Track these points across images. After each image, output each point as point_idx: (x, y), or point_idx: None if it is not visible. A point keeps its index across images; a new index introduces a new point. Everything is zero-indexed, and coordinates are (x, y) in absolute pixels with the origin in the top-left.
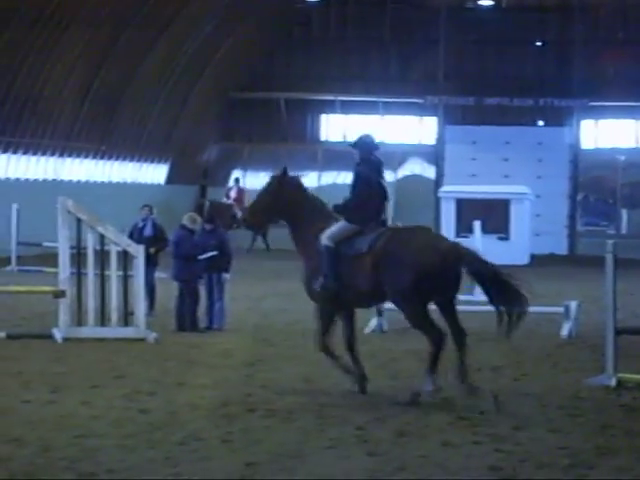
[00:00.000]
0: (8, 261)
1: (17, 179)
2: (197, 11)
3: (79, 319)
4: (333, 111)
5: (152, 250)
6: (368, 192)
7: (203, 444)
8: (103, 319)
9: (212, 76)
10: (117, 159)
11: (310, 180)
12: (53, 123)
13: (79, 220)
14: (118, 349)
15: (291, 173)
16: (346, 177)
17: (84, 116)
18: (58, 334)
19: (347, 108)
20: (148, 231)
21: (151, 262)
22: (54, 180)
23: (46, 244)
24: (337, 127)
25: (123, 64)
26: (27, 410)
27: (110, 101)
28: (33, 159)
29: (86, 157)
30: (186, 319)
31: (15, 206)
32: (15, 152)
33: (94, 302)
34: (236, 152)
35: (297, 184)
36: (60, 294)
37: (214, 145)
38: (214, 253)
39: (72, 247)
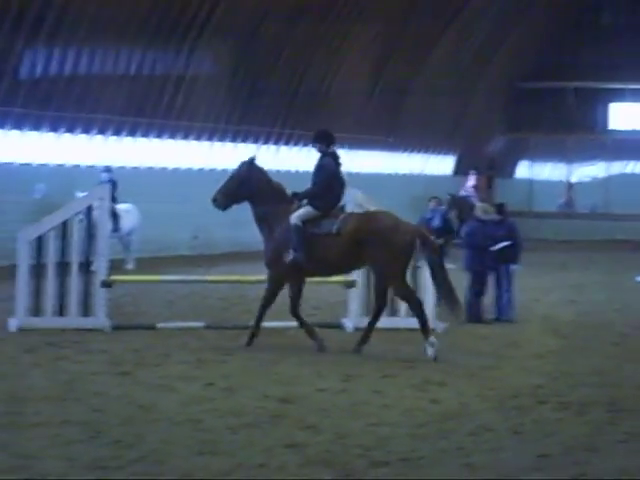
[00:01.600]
0: None
1: (308, 171)
2: (483, 1)
3: (369, 309)
4: (622, 100)
5: (441, 241)
6: (332, 182)
7: (494, 435)
8: (392, 309)
9: (498, 66)
10: (405, 151)
11: (598, 170)
12: (342, 115)
13: None
14: (407, 339)
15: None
16: (635, 167)
17: (372, 108)
18: (349, 324)
19: (637, 96)
20: (437, 222)
21: (441, 253)
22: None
23: None
24: (626, 116)
25: (410, 56)
26: (321, 398)
27: (397, 93)
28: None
29: (374, 149)
30: (475, 310)
31: None
32: (306, 145)
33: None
34: (522, 143)
35: (262, 171)
36: (351, 284)
37: (500, 136)
38: (506, 244)
39: None
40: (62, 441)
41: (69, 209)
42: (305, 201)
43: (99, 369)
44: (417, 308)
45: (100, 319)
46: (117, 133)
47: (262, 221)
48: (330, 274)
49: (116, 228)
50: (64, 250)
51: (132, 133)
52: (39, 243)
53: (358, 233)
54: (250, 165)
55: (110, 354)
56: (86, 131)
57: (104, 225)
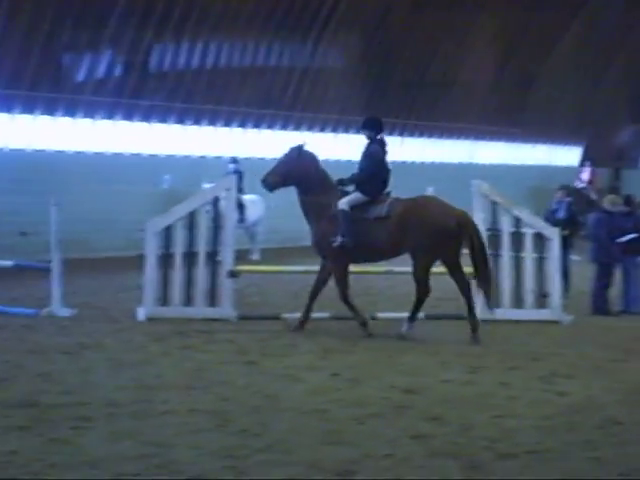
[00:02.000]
0: None
1: (433, 162)
2: None
3: (496, 301)
4: None
5: (566, 232)
6: (379, 168)
7: (622, 429)
8: (518, 301)
9: (625, 56)
10: (530, 142)
11: None
12: (467, 106)
13: (494, 203)
14: (533, 331)
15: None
16: None
17: (497, 99)
18: None
19: None
20: (562, 214)
21: (566, 245)
22: (468, 163)
23: None
24: None
25: (536, 46)
26: (446, 389)
27: (523, 84)
28: (448, 143)
29: (499, 140)
30: (601, 302)
31: (431, 189)
32: (430, 136)
33: (509, 284)
34: None
35: (313, 157)
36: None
37: (628, 126)
38: (634, 236)
39: (488, 229)
40: (190, 429)
41: (196, 200)
42: (352, 187)
43: (226, 358)
44: (422, 296)
45: (226, 309)
46: (243, 125)
47: (309, 207)
48: (374, 260)
49: (242, 219)
50: (191, 240)
51: (257, 125)
52: (167, 233)
53: (405, 216)
54: (300, 151)
55: (236, 344)
56: (212, 123)
57: (230, 216)
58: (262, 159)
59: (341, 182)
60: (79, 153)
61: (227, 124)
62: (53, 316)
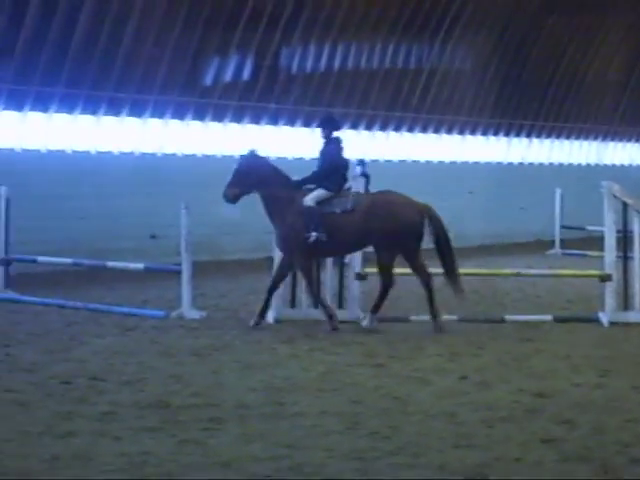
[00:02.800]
0: (552, 244)
1: (561, 164)
2: None
3: (625, 303)
4: None
5: None
6: (334, 166)
7: None
8: None
9: None
10: None
11: None
12: (596, 107)
13: (625, 204)
14: None
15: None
16: None
17: (627, 99)
18: (604, 318)
19: None
20: None
21: None
22: (597, 165)
23: (589, 228)
24: None
25: None
26: (577, 393)
27: None
28: (576, 143)
29: (629, 140)
30: None
31: (559, 191)
32: (558, 137)
33: None
34: None
35: (265, 160)
36: (606, 278)
37: None
38: None
39: (618, 231)
40: (320, 431)
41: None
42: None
43: (354, 361)
44: (388, 286)
45: (354, 311)
46: (370, 127)
47: (273, 207)
48: (340, 254)
49: None
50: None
51: (384, 127)
52: None
53: (371, 210)
54: (251, 156)
55: (364, 346)
56: None
57: None
58: (389, 161)
59: (299, 183)
60: (208, 157)
61: (354, 126)
62: (183, 318)
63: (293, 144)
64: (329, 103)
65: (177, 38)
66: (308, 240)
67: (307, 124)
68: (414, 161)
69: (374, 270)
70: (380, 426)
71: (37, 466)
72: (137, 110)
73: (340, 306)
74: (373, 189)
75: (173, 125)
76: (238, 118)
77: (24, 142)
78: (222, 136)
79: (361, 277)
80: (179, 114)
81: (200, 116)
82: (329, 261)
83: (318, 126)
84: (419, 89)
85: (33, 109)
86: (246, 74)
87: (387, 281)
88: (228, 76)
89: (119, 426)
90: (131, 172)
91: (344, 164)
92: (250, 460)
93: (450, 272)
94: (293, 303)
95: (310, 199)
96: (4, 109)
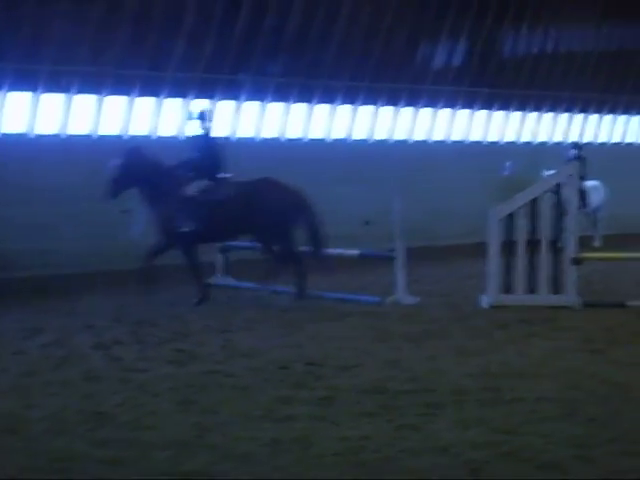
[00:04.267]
0: None
1: None
2: None
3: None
4: None
5: None
6: (210, 154)
7: None
8: None
9: None
10: None
11: None
12: None
13: None
14: None
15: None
16: None
17: None
18: None
19: None
20: None
21: None
22: None
23: None
24: None
25: None
26: None
27: None
28: None
29: None
30: None
31: None
32: None
33: None
34: None
35: (141, 153)
36: None
37: None
38: None
39: None
40: (538, 417)
41: (538, 187)
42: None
43: (570, 346)
44: (276, 268)
45: (570, 296)
46: (584, 110)
47: (152, 199)
48: (221, 240)
49: (584, 205)
50: (533, 228)
51: (599, 110)
52: (509, 221)
53: (249, 197)
54: (133, 152)
55: (581, 331)
56: (552, 109)
57: (573, 202)
58: (603, 144)
59: (175, 169)
60: (420, 142)
61: (568, 110)
62: (398, 304)
63: (507, 128)
64: (541, 87)
65: (387, 29)
66: (181, 230)
67: (521, 108)
68: (629, 144)
69: (590, 255)
70: (598, 413)
71: (259, 449)
72: (350, 98)
73: (556, 291)
74: (590, 173)
75: (384, 112)
76: (451, 104)
77: (239, 130)
78: (433, 122)
79: (577, 262)
80: (392, 100)
81: (413, 102)
82: (544, 245)
83: (196, 118)
84: (634, 70)
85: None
86: (457, 60)
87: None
88: (440, 62)
89: (337, 411)
90: (344, 159)
91: (217, 154)
92: (467, 446)
93: (318, 256)
94: (508, 289)
95: (190, 188)
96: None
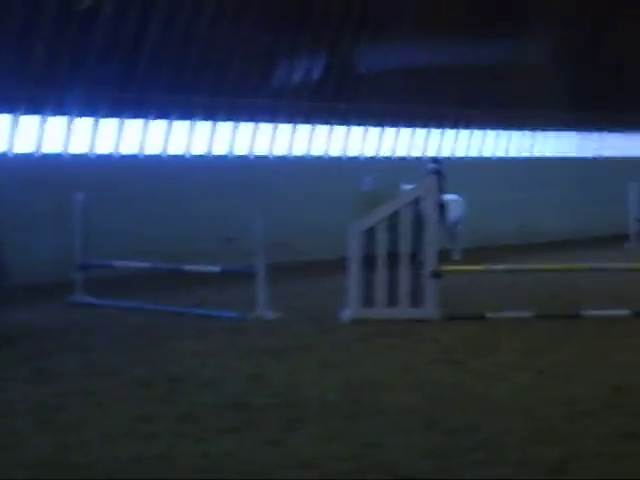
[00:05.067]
0: (627, 238)
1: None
2: None
3: None
4: None
5: None
6: None
7: None
8: None
9: None
10: None
11: None
12: None
13: None
14: None
15: None
16: None
17: None
18: None
19: None
20: None
21: None
22: None
23: None
24: None
25: None
26: None
27: None
28: None
29: None
30: None
31: (633, 184)
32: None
33: None
34: None
35: None
36: None
37: None
38: None
39: None
40: (399, 429)
41: (398, 201)
42: None
43: (430, 358)
44: None
45: (430, 309)
46: (441, 125)
47: None
48: None
49: (443, 218)
50: (393, 242)
51: (455, 125)
52: (369, 235)
53: None
54: None
55: (441, 344)
56: (411, 124)
57: (432, 216)
58: (461, 158)
59: None
60: (280, 157)
61: (426, 125)
62: (259, 319)
63: (366, 143)
64: (400, 101)
65: (247, 40)
66: None
67: (379, 123)
68: (487, 157)
69: (450, 268)
70: (459, 423)
71: (121, 467)
72: (188, 113)
73: (416, 305)
74: (448, 187)
75: (245, 128)
76: (308, 119)
77: (98, 147)
78: (292, 137)
79: (437, 275)
80: (251, 117)
81: (271, 118)
82: (404, 259)
83: None
84: (489, 86)
85: (98, 115)
86: (316, 74)
87: None
88: (297, 77)
89: (199, 427)
90: (204, 175)
91: None
92: (330, 459)
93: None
94: (369, 302)
95: None
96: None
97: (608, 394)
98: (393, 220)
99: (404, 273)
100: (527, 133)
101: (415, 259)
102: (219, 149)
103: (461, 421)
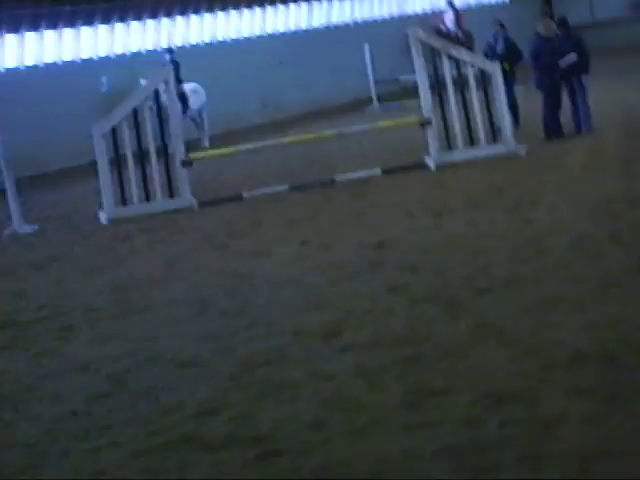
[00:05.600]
0: (370, 101)
1: (365, 21)
2: None
3: (449, 144)
4: None
5: (506, 65)
6: None
7: (593, 242)
8: (472, 140)
9: None
10: None
11: None
12: None
13: (432, 49)
14: (491, 167)
15: None
16: None
17: None
18: (430, 162)
19: None
20: (500, 47)
21: (509, 77)
22: (400, 16)
23: (402, 78)
24: None
25: None
26: (415, 238)
27: None
28: None
29: None
30: (553, 126)
31: (367, 47)
32: None
33: (460, 125)
34: None
35: None
36: (426, 122)
37: None
38: (574, 56)
39: (430, 75)
40: (171, 320)
41: (136, 96)
42: None
43: (194, 246)
44: None
45: (186, 199)
46: (169, 14)
47: None
48: None
49: (186, 108)
50: (139, 137)
51: (183, 12)
52: (114, 135)
53: None
54: None
55: (202, 230)
56: (138, 17)
57: (174, 107)
58: (195, 45)
59: None
60: (10, 69)
61: (153, 15)
62: (16, 234)
63: (97, 43)
64: None
65: None
66: None
67: (106, 21)
68: (220, 41)
69: (200, 154)
70: (230, 305)
71: None
72: None
73: (171, 196)
74: (186, 76)
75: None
76: (35, 26)
77: None
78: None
79: (187, 163)
80: None
81: None
82: (153, 153)
83: None
84: None
85: None
86: None
87: None
88: None
89: None
90: None
91: None
92: (107, 360)
93: None
94: (124, 201)
95: None
96: None
97: (370, 253)
98: (136, 116)
99: (155, 167)
100: (233, 13)
101: (165, 151)
102: None
103: (232, 302)
